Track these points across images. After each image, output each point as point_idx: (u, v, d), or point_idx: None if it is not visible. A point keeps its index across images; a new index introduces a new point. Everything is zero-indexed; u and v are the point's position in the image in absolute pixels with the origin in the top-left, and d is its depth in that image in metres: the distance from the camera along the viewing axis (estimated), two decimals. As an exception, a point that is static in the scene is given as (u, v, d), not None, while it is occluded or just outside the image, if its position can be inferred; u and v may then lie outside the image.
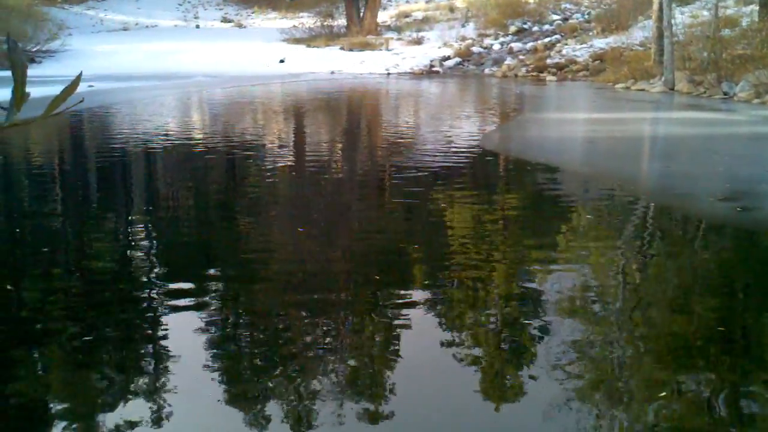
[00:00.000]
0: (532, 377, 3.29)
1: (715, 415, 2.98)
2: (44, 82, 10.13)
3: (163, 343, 3.69)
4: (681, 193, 7.19)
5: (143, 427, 2.90)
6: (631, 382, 3.27)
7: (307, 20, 34.48)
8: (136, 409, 3.03)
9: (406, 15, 35.37)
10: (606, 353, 3.54)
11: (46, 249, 5.37)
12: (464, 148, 9.99)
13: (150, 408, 3.04)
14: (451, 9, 34.29)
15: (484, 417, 2.99)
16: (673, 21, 18.30)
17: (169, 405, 3.06)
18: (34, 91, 1.31)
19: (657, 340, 3.70)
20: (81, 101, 1.44)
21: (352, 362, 3.47)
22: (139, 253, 5.29)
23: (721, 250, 5.53)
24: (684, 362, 3.47)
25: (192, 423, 3.00)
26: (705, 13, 22.20)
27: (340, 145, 11.21)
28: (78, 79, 1.26)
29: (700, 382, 3.24)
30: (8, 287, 4.51)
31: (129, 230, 6.01)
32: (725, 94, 16.39)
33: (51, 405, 3.12)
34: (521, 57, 26.46)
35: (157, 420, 2.96)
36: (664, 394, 3.11)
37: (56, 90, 1.30)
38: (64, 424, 2.94)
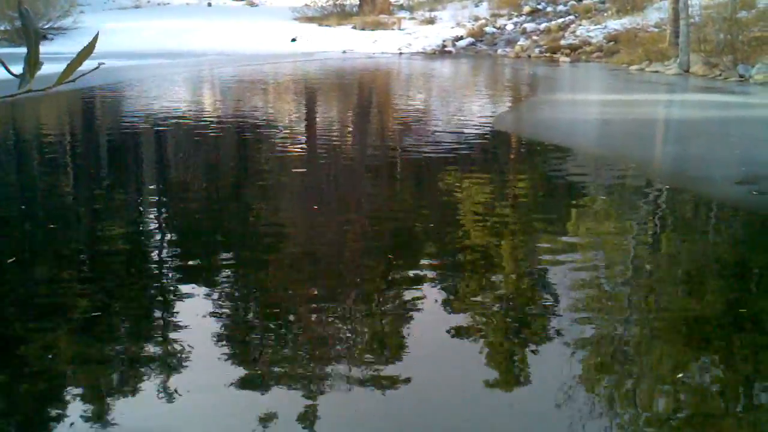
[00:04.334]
0: (544, 358, 3.27)
1: (733, 398, 2.96)
2: (57, 58, 10.08)
3: (175, 317, 3.69)
4: (696, 176, 7.11)
5: (153, 402, 2.91)
6: (647, 365, 3.24)
7: (319, -1, 34.20)
8: (144, 386, 3.04)
9: (419, -6, 35.01)
10: (620, 336, 3.51)
11: (59, 224, 5.39)
12: (477, 129, 9.91)
13: (160, 382, 3.04)
14: (465, -12, 33.92)
15: (496, 397, 2.98)
16: (689, 2, 18.04)
17: (180, 383, 3.06)
18: (45, 68, 1.29)
19: (672, 323, 3.66)
20: (100, 65, 1.40)
21: (364, 341, 3.47)
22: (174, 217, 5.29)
23: (737, 233, 5.47)
24: (700, 345, 3.44)
25: (204, 396, 3.00)
26: (722, -6, 21.88)
27: (352, 126, 11.15)
28: (94, 41, 1.22)
29: (716, 364, 3.21)
30: (8, 261, 4.52)
31: (153, 202, 6.02)
32: (741, 76, 16.16)
33: (61, 381, 3.12)
34: (535, 37, 26.17)
35: (169, 397, 2.96)
36: (681, 375, 3.08)
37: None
38: (73, 403, 2.95)
